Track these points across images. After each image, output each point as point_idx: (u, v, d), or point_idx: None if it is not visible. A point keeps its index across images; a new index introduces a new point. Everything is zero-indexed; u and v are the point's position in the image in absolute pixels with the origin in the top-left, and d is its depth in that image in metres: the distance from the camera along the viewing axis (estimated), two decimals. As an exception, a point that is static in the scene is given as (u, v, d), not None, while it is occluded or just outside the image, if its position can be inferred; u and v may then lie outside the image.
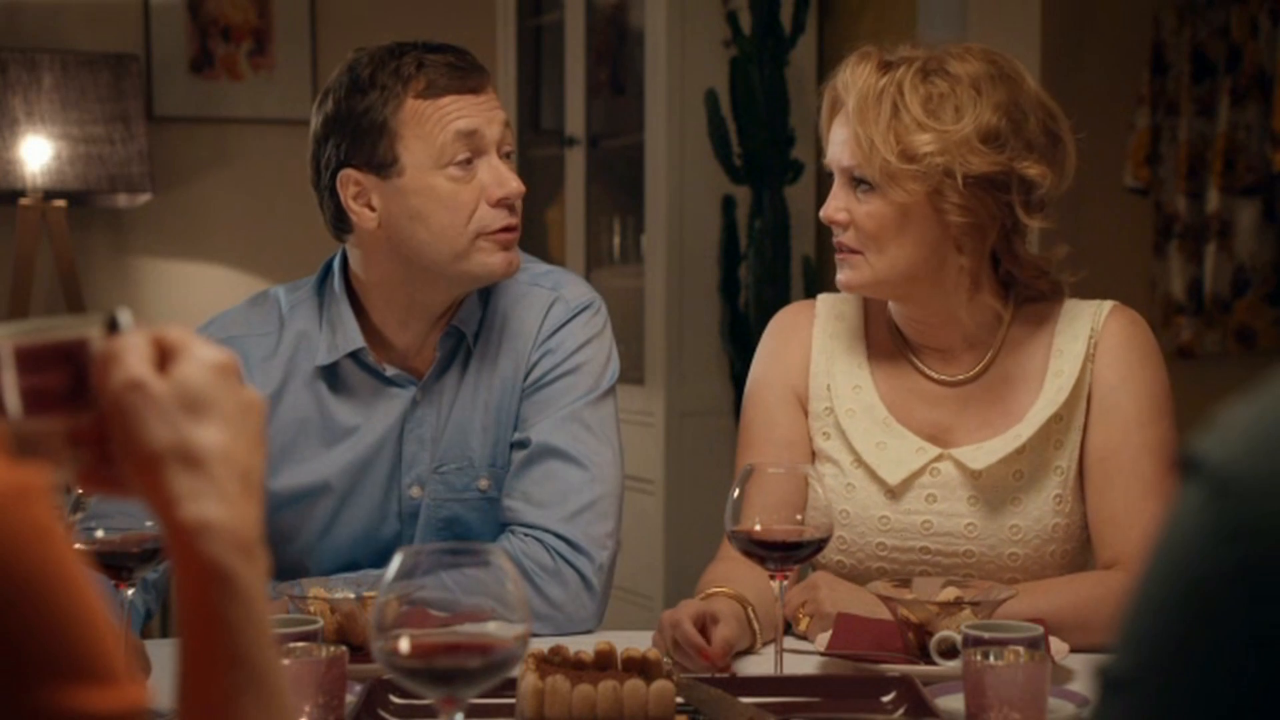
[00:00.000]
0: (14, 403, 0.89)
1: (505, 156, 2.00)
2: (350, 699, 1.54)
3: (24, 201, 4.20)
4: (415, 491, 2.04)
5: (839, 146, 1.90)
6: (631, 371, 4.25)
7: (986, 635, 1.52)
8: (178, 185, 4.72)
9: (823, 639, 1.78)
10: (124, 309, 0.92)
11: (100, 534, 1.56)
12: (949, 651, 1.69)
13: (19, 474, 0.77)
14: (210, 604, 0.89)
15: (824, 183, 4.18)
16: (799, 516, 1.70)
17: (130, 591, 1.59)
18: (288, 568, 1.98)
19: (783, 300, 4.00)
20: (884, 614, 1.77)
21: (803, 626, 1.86)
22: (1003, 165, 1.85)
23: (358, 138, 1.95)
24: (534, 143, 5.03)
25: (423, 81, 1.95)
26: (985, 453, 1.91)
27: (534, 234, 4.77)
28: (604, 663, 1.53)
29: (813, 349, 2.02)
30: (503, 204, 1.97)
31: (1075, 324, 1.95)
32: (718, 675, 1.67)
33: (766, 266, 4.18)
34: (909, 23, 3.94)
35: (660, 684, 1.50)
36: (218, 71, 4.77)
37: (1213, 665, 0.68)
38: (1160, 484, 1.88)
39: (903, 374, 1.99)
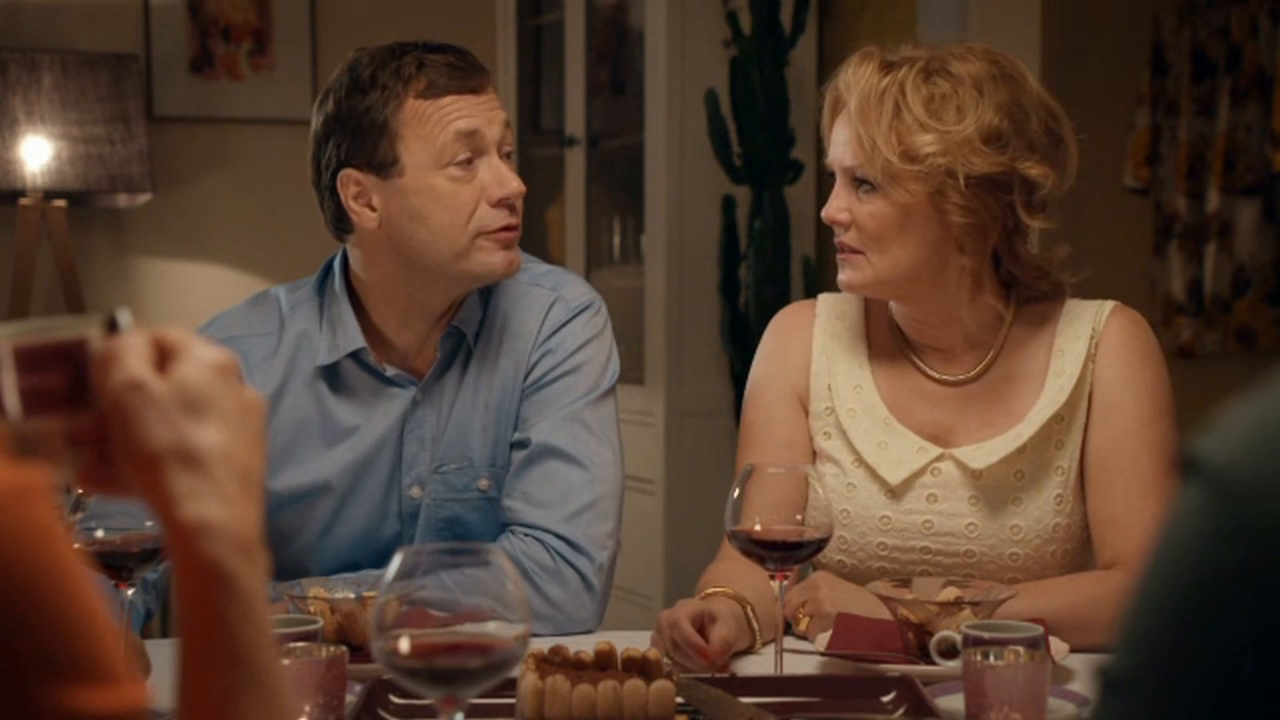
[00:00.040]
0: (13, 403, 0.89)
1: (506, 156, 2.00)
2: (350, 699, 1.54)
3: (24, 201, 4.20)
4: (415, 491, 2.04)
5: (841, 147, 1.90)
6: (631, 371, 4.25)
7: (986, 635, 1.52)
8: (178, 185, 4.72)
9: (823, 639, 1.78)
10: (123, 309, 0.92)
11: (100, 534, 1.56)
12: (949, 651, 1.69)
13: (19, 474, 0.77)
14: (210, 604, 0.89)
15: (824, 183, 4.18)
16: (799, 516, 1.70)
17: (130, 591, 1.59)
18: (288, 568, 1.98)
19: (783, 300, 4.00)
20: (884, 614, 1.77)
21: (803, 626, 1.86)
22: (1005, 166, 1.85)
23: (358, 138, 1.95)
24: (534, 143, 5.03)
25: (423, 81, 1.95)
26: (986, 452, 1.91)
27: (534, 234, 4.77)
28: (604, 663, 1.53)
29: (813, 349, 2.02)
30: (503, 204, 1.97)
31: (1076, 324, 1.95)
32: (717, 675, 1.67)
33: (766, 266, 4.18)
34: (909, 23, 3.94)
35: (660, 684, 1.50)
36: (218, 71, 4.77)
37: (1213, 665, 0.68)
38: (1161, 484, 1.88)
39: (904, 374, 1.99)
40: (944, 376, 1.97)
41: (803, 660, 1.78)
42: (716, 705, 1.53)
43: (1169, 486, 1.84)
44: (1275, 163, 3.64)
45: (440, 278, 1.99)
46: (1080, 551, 1.94)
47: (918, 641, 1.73)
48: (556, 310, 2.06)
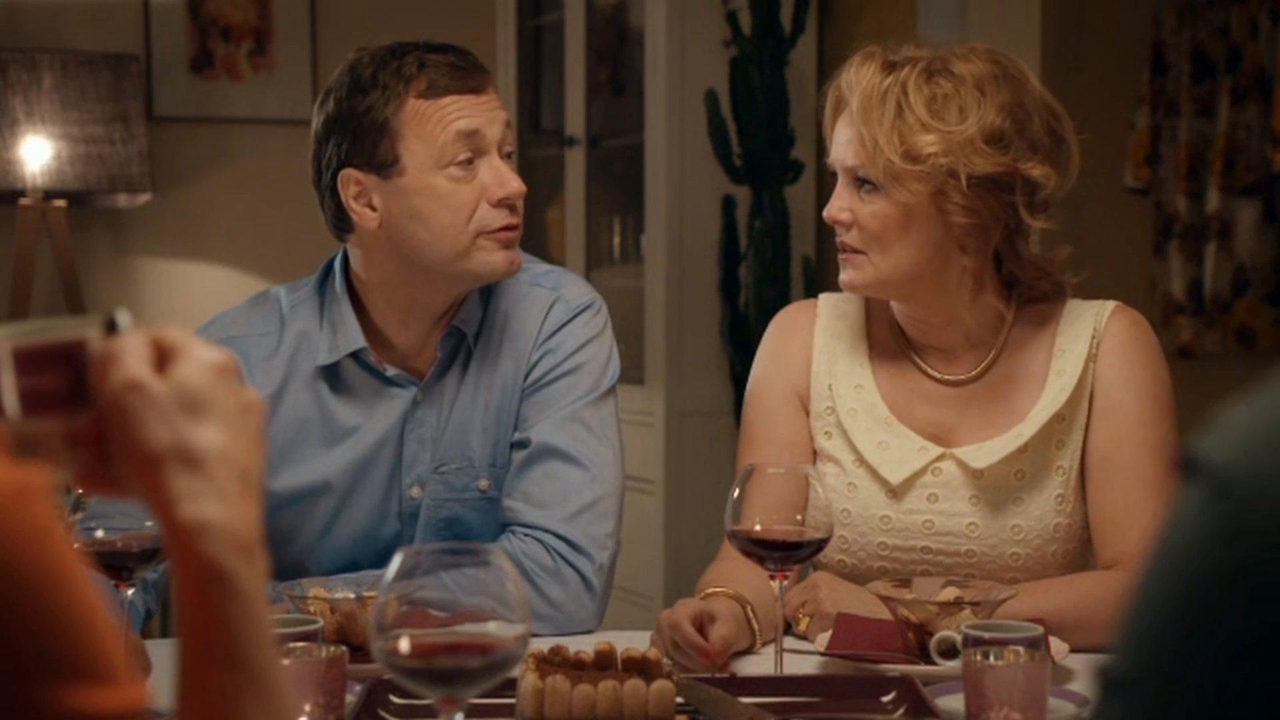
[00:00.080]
0: (12, 404, 0.89)
1: (506, 156, 2.00)
2: (350, 699, 1.54)
3: (24, 201, 4.20)
4: (415, 491, 2.04)
5: (843, 146, 1.90)
6: (631, 371, 4.25)
7: (986, 635, 1.52)
8: (178, 185, 4.72)
9: (823, 639, 1.78)
10: (122, 310, 0.92)
11: (100, 534, 1.56)
12: (949, 651, 1.69)
13: (19, 474, 0.77)
14: (209, 604, 0.89)
15: (824, 183, 4.19)
16: (799, 516, 1.70)
17: (130, 591, 1.59)
18: (288, 568, 1.98)
19: (783, 300, 4.00)
20: (884, 614, 1.77)
21: (803, 626, 1.86)
22: (1007, 166, 1.85)
23: (359, 137, 1.95)
24: (534, 143, 5.03)
25: (424, 81, 1.95)
26: (987, 452, 1.91)
27: (534, 234, 4.77)
28: (604, 663, 1.53)
29: (814, 348, 2.02)
30: (504, 204, 1.97)
31: (1077, 324, 1.95)
32: (717, 675, 1.67)
33: (766, 266, 4.18)
34: (909, 23, 3.94)
35: (660, 684, 1.50)
36: (218, 71, 4.77)
37: (1213, 666, 0.68)
38: (1162, 484, 1.88)
39: (905, 373, 1.99)
40: (945, 376, 1.97)
41: (803, 660, 1.78)
42: (716, 705, 1.53)
43: (1169, 486, 1.84)
44: (1275, 163, 3.64)
45: (441, 278, 1.99)
46: (1081, 551, 1.94)
47: (918, 641, 1.73)
48: (557, 310, 2.06)
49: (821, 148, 1.99)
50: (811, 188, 4.33)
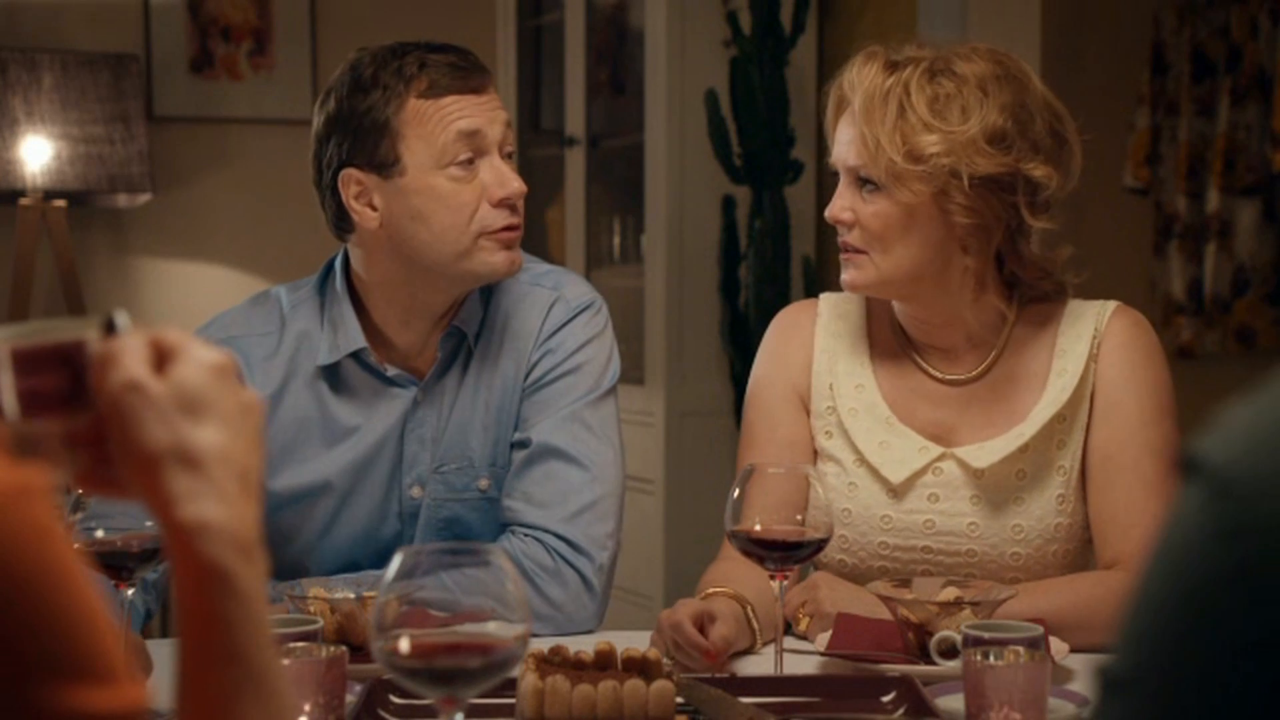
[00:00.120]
0: (12, 405, 0.89)
1: (507, 156, 2.00)
2: (350, 699, 1.54)
3: (24, 201, 4.20)
4: (416, 491, 2.03)
5: (844, 146, 1.90)
6: (631, 371, 4.25)
7: (986, 635, 1.52)
8: (178, 185, 4.72)
9: (823, 639, 1.78)
10: (121, 311, 0.92)
11: (100, 534, 1.56)
12: (949, 651, 1.69)
13: (19, 474, 0.77)
14: (209, 604, 0.89)
15: (824, 183, 4.19)
16: (799, 516, 1.70)
17: (130, 591, 1.59)
18: (288, 568, 1.98)
19: (783, 300, 4.00)
20: (884, 614, 1.77)
21: (803, 626, 1.86)
22: (1009, 166, 1.85)
23: (359, 137, 1.95)
24: (534, 143, 5.03)
25: (425, 81, 1.95)
26: (988, 452, 1.91)
27: (534, 234, 4.77)
28: (604, 663, 1.53)
29: (815, 348, 2.02)
30: (504, 204, 1.97)
31: (1079, 324, 1.95)
32: (717, 675, 1.67)
33: (766, 266, 4.18)
34: (909, 23, 3.94)
35: (660, 684, 1.50)
36: (218, 71, 4.77)
37: (1213, 666, 0.68)
38: (1162, 484, 1.88)
39: (906, 373, 1.99)
40: (946, 376, 1.97)
41: (803, 660, 1.78)
42: (716, 705, 1.53)
43: (1170, 486, 1.84)
44: (1275, 163, 3.64)
45: (441, 278, 1.99)
46: (1081, 551, 1.94)
47: (918, 641, 1.72)
48: (557, 310, 2.06)
49: (822, 148, 1.99)
50: (811, 188, 4.32)
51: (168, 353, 0.92)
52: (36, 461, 0.81)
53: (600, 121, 4.75)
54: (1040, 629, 1.56)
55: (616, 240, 4.72)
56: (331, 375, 2.04)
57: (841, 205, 1.91)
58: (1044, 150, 1.87)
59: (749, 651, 1.82)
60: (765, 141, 4.15)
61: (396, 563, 1.09)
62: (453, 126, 1.95)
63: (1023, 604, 1.73)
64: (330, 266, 2.08)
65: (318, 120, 2.00)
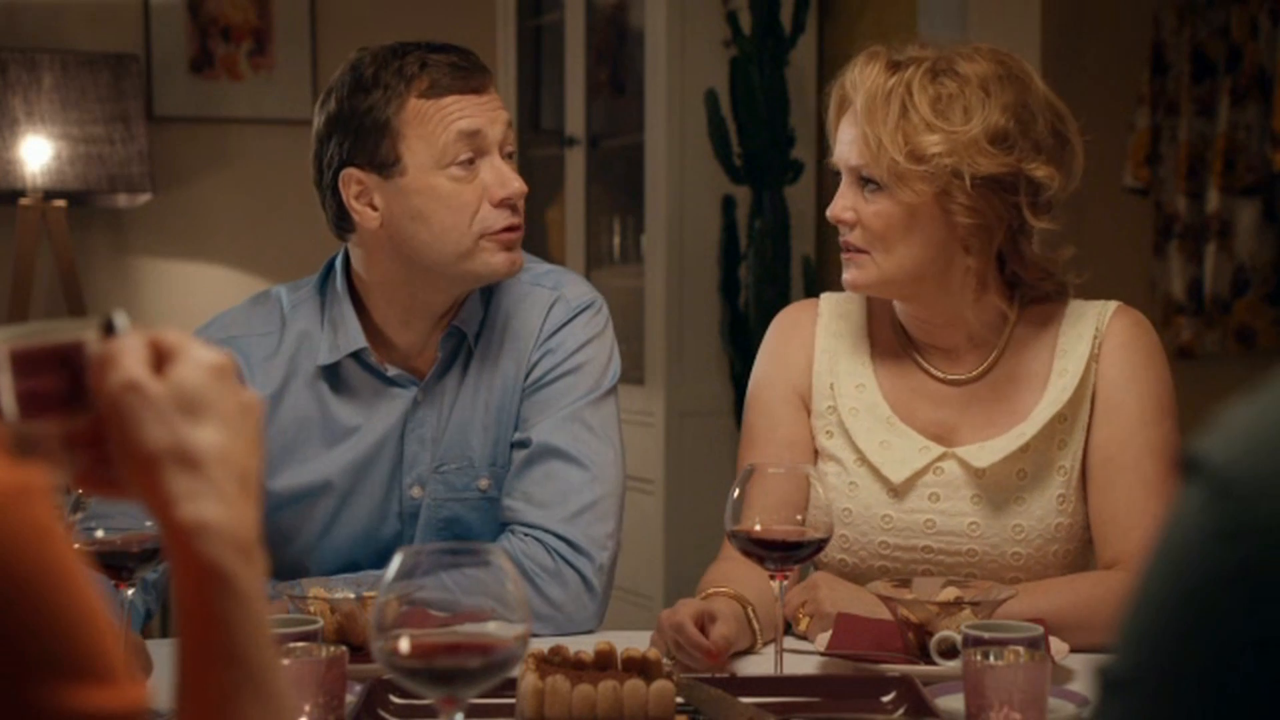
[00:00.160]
0: (11, 406, 0.89)
1: (507, 157, 2.00)
2: (350, 699, 1.54)
3: (24, 201, 4.20)
4: (416, 491, 2.03)
5: (846, 146, 1.90)
6: (631, 371, 4.25)
7: (986, 635, 1.52)
8: (178, 185, 4.72)
9: (823, 639, 1.78)
10: (120, 312, 0.92)
11: (100, 534, 1.56)
12: (949, 651, 1.69)
13: (19, 474, 0.77)
14: (208, 604, 0.89)
15: (825, 183, 4.19)
16: (799, 516, 1.69)
17: (130, 591, 1.59)
18: (288, 568, 1.98)
19: (783, 300, 4.00)
20: (884, 614, 1.77)
21: (803, 626, 1.86)
22: (1011, 166, 1.85)
23: (360, 137, 1.95)
24: (534, 143, 5.03)
25: (425, 81, 1.95)
26: (989, 451, 1.91)
27: (534, 234, 4.76)
28: (604, 663, 1.53)
29: (815, 348, 2.02)
30: (505, 204, 1.97)
31: (1080, 324, 1.95)
32: (718, 675, 1.67)
33: (766, 266, 4.18)
34: (909, 23, 3.94)
35: (660, 684, 1.50)
36: (218, 71, 4.77)
37: (1213, 666, 0.68)
38: (1163, 484, 1.88)
39: (907, 373, 1.99)
40: (947, 376, 1.97)
41: (803, 660, 1.78)
42: (716, 705, 1.53)
43: (1171, 487, 1.84)
44: (1275, 163, 3.64)
45: (442, 278, 1.99)
46: (1082, 551, 1.94)
47: (918, 641, 1.72)
48: (557, 310, 2.06)
49: (822, 148, 1.99)
50: (811, 188, 4.32)
51: (167, 353, 0.92)
52: (36, 461, 0.81)
53: (600, 121, 4.75)
54: (1040, 629, 1.56)
55: (616, 240, 4.72)
56: (332, 375, 2.04)
57: (843, 205, 1.91)
58: (1046, 150, 1.87)
59: (749, 651, 1.82)
60: (765, 141, 4.15)
61: (396, 563, 1.09)
62: (453, 126, 1.95)
63: (1023, 604, 1.73)
64: (330, 266, 2.08)
65: (318, 120, 2.00)
